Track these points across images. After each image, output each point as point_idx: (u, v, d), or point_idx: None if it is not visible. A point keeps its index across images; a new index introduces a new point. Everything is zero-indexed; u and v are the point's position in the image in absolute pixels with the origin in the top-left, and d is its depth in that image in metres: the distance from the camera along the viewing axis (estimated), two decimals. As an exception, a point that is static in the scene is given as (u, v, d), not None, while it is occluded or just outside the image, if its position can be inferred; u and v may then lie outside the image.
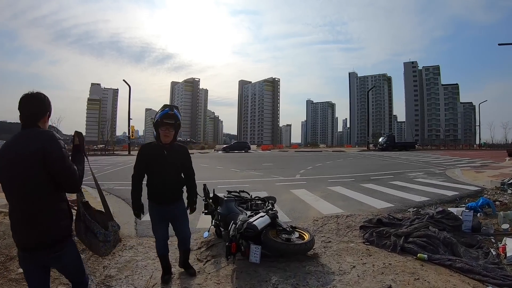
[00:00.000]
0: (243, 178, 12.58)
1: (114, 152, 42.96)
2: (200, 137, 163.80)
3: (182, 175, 3.52)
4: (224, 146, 49.42)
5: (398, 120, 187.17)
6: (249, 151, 43.30)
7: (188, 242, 3.68)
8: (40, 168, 1.91)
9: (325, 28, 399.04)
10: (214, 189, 5.29)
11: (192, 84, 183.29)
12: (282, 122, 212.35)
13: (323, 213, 6.47)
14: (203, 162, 21.99)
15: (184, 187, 3.58)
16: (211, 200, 5.03)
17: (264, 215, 4.06)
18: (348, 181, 11.39)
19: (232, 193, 5.15)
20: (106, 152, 41.77)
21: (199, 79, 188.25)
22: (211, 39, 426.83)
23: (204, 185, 5.11)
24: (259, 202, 5.01)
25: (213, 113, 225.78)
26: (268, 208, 4.67)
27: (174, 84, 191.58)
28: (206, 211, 5.05)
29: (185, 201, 3.60)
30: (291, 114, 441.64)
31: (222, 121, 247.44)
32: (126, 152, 39.71)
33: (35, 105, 2.05)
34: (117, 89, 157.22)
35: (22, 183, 1.91)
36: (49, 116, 2.13)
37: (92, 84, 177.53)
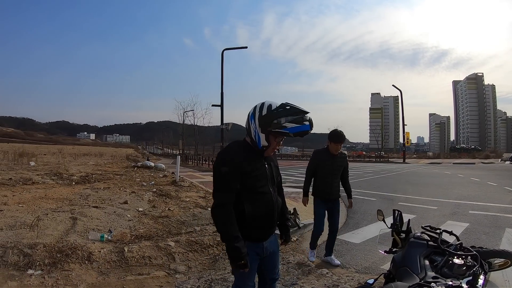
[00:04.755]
0: None
1: (389, 159, 42.45)
2: (491, 143, 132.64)
3: None
4: None
5: None
6: None
7: None
8: None
9: None
10: (409, 220, 3.31)
11: (475, 81, 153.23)
12: None
13: None
14: (476, 175, 17.44)
15: None
16: (401, 236, 3.18)
17: None
18: None
19: (429, 232, 3.00)
20: (381, 159, 41.97)
21: (482, 73, 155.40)
22: (483, 23, 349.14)
23: (397, 211, 3.33)
24: (458, 262, 2.50)
25: (505, 113, 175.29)
26: (465, 280, 2.19)
27: (455, 84, 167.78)
28: (390, 249, 3.23)
29: None
30: None
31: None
32: (401, 160, 37.90)
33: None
34: (397, 96, 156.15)
35: None
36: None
37: (372, 94, 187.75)
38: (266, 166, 2.17)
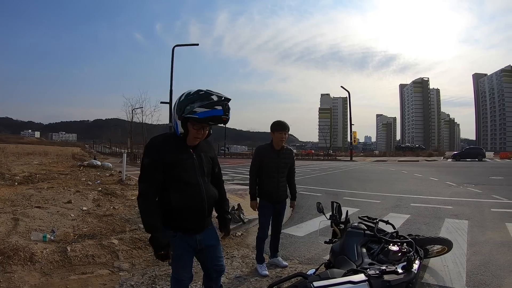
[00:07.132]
0: (452, 196, 9.30)
1: (337, 157, 44.20)
2: (435, 143, 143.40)
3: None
4: (454, 153, 42.51)
5: None
6: (483, 159, 34.92)
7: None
8: None
9: None
10: (347, 211, 3.56)
11: (421, 85, 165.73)
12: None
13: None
14: (419, 171, 18.68)
15: None
16: (340, 226, 3.42)
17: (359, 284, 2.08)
18: None
19: (366, 222, 3.30)
20: (329, 157, 43.59)
21: (428, 78, 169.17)
22: (431, 31, 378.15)
23: (335, 203, 3.57)
24: (394, 249, 2.82)
25: (448, 115, 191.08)
26: (400, 265, 2.48)
27: (402, 87, 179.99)
28: (330, 239, 3.43)
29: None
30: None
31: (458, 124, 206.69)
32: (348, 158, 39.63)
33: None
34: (346, 98, 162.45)
35: None
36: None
37: (322, 95, 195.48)
38: (195, 157, 2.17)
